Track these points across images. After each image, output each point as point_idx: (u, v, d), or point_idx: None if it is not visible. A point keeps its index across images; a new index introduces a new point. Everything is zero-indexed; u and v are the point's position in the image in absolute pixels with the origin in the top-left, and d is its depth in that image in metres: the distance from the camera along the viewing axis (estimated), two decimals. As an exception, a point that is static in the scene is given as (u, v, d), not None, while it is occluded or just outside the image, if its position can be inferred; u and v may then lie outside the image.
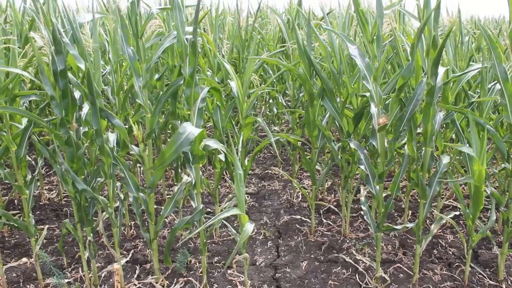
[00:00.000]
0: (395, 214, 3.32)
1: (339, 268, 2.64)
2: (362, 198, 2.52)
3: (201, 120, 2.33)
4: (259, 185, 3.84)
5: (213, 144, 2.33)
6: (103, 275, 2.58)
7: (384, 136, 2.26)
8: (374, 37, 2.19)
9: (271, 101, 3.99)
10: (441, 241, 2.92)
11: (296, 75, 2.73)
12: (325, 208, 3.28)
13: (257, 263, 2.72)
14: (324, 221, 3.17)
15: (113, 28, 2.38)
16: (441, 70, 2.34)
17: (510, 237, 2.49)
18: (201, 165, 2.37)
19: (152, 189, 2.38)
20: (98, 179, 2.46)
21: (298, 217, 3.15)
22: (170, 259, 2.71)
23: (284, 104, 3.66)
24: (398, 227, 2.38)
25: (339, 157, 2.82)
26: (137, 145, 2.45)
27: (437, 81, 2.27)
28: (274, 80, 3.87)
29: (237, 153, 2.66)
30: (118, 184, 2.72)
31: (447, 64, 2.82)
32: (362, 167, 2.39)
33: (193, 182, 2.38)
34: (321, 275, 2.58)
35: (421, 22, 1.99)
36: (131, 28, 2.23)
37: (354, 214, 3.21)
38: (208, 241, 2.96)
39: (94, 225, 2.39)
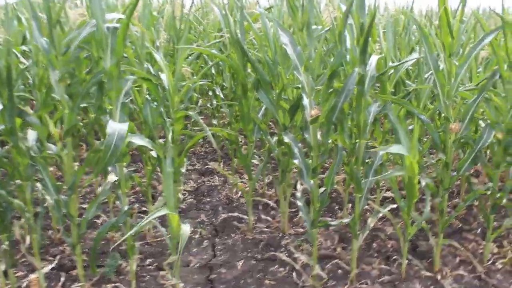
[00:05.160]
0: (336, 207, 3.26)
1: (276, 266, 2.55)
2: (298, 193, 2.42)
3: (125, 114, 2.17)
4: (199, 181, 3.70)
5: (138, 140, 2.17)
6: (24, 285, 2.37)
7: (316, 129, 2.17)
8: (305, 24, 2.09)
9: (210, 93, 3.84)
10: (380, 234, 2.89)
11: (229, 66, 2.60)
12: (265, 203, 3.17)
13: (192, 264, 2.58)
14: (263, 217, 3.07)
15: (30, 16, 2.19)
16: (374, 58, 2.27)
17: (446, 227, 2.48)
18: (125, 163, 2.21)
19: (73, 191, 2.20)
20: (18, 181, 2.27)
21: (236, 214, 3.03)
22: (100, 263, 2.55)
23: (222, 96, 3.52)
24: (334, 222, 2.31)
25: (276, 150, 2.71)
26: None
27: (370, 70, 2.21)
28: (214, 72, 3.73)
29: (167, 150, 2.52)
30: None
31: (386, 54, 2.76)
32: (296, 161, 2.29)
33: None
34: (257, 275, 2.48)
35: (346, 8, 1.90)
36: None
37: (294, 209, 3.13)
38: (141, 242, 2.79)
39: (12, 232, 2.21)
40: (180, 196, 3.38)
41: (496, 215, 3.11)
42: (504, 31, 2.25)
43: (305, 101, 2.14)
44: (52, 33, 2.09)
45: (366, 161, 2.36)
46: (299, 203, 2.36)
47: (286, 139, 2.36)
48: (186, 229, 1.97)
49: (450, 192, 3.52)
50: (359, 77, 2.06)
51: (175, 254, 2.22)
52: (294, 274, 2.47)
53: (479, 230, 2.96)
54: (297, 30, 2.09)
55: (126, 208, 2.21)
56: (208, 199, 3.35)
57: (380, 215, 2.46)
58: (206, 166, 3.92)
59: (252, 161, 3.05)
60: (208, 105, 4.04)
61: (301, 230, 2.93)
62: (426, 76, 2.78)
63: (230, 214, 3.06)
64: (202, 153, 4.25)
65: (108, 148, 1.78)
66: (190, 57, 3.09)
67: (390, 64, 2.60)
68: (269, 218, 3.04)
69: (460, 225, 3.04)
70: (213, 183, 3.61)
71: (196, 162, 4.02)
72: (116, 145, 1.79)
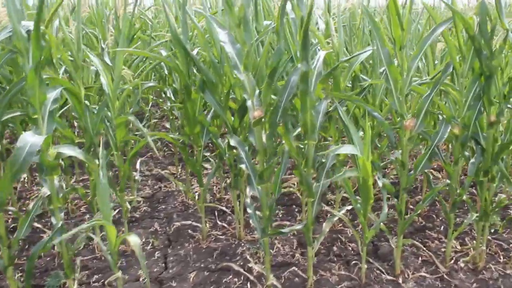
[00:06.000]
0: (296, 210, 3.13)
1: (231, 277, 2.41)
2: (247, 200, 2.28)
3: (53, 124, 2.00)
4: (155, 187, 3.53)
5: (68, 151, 2.00)
6: None
7: (261, 131, 2.03)
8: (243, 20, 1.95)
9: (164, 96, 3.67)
10: (341, 236, 2.77)
11: (171, 67, 2.45)
12: (221, 209, 3.02)
13: (141, 279, 2.42)
14: (219, 223, 2.93)
15: None
16: (321, 54, 2.15)
17: (407, 227, 2.37)
18: (55, 176, 2.04)
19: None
20: None
21: (190, 222, 2.88)
22: (43, 282, 2.37)
23: (174, 98, 3.35)
24: (285, 230, 2.17)
25: (227, 154, 2.57)
26: None
27: (317, 66, 2.09)
28: (166, 73, 3.56)
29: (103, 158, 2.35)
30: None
31: (338, 49, 2.63)
32: (243, 166, 2.15)
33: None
34: (210, 287, 2.34)
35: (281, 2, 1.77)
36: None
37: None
38: (89, 256, 2.62)
39: None
40: (135, 204, 3.23)
41: (459, 210, 3.04)
42: (454, 22, 2.15)
43: (248, 102, 2.00)
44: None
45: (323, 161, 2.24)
46: (249, 210, 2.22)
47: (232, 143, 2.21)
48: (135, 239, 1.82)
49: (415, 188, 3.43)
50: (302, 74, 1.92)
51: (116, 271, 2.07)
52: (248, 284, 2.34)
53: (442, 227, 2.87)
54: (234, 26, 1.94)
55: (60, 224, 2.04)
56: (163, 206, 3.19)
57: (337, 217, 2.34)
58: (164, 171, 3.75)
59: (206, 165, 2.90)
60: (165, 107, 3.86)
61: (258, 236, 2.78)
62: (381, 70, 2.67)
63: (184, 222, 2.90)
64: (160, 157, 4.08)
65: (13, 163, 1.61)
66: (136, 60, 2.93)
67: (341, 59, 2.47)
68: (225, 225, 2.90)
69: (423, 223, 2.94)
70: (169, 189, 3.45)
71: (154, 167, 3.85)
72: (25, 160, 1.61)
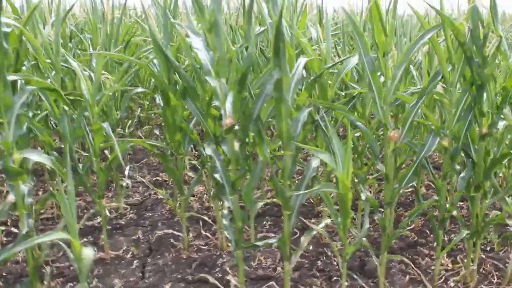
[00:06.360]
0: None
1: (207, 289, 2.33)
2: (225, 211, 2.20)
3: (21, 129, 1.96)
4: (146, 194, 3.47)
5: (34, 156, 1.96)
6: None
7: (233, 140, 1.95)
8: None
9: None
10: (327, 250, 2.66)
11: (149, 73, 2.39)
12: (206, 219, 2.94)
13: (115, 288, 2.36)
14: (204, 233, 2.84)
15: None
16: (302, 61, 2.07)
17: (389, 245, 2.25)
18: (22, 182, 1.99)
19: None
20: None
21: (174, 231, 2.80)
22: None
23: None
24: (259, 243, 2.08)
25: (209, 163, 2.49)
26: None
27: (296, 73, 1.99)
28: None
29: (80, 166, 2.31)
30: None
31: (326, 56, 2.54)
32: (217, 175, 2.07)
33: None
34: (184, 300, 2.26)
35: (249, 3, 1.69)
36: None
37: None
38: (66, 263, 2.56)
39: None
40: (122, 211, 3.17)
41: (455, 226, 2.90)
42: (443, 28, 2.03)
43: (222, 110, 1.92)
44: None
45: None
46: (225, 221, 2.13)
47: (208, 151, 2.14)
48: (88, 253, 1.76)
49: (411, 202, 3.30)
50: (276, 82, 1.83)
51: (82, 281, 2.01)
52: (223, 299, 2.25)
53: (436, 244, 2.73)
54: (206, 32, 1.87)
55: (25, 231, 1.99)
56: (150, 214, 3.12)
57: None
58: (155, 178, 3.69)
59: (189, 174, 2.83)
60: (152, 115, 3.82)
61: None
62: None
63: (167, 231, 2.82)
64: (155, 164, 4.02)
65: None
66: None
67: (324, 66, 2.37)
68: (209, 235, 2.81)
69: (416, 238, 2.81)
70: (159, 197, 3.39)
71: (147, 174, 3.79)
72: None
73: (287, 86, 1.90)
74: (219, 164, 2.08)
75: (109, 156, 3.06)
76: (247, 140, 2.01)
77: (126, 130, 3.88)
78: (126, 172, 3.15)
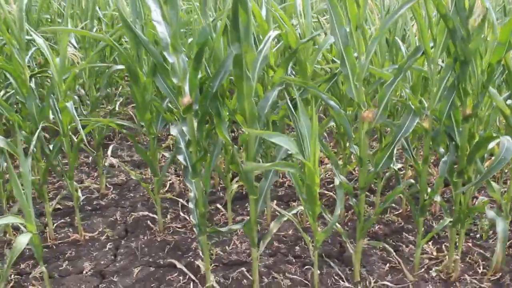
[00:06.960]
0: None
1: (176, 274, 2.25)
2: (191, 194, 2.10)
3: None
4: (132, 173, 3.40)
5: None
6: None
7: (192, 120, 1.84)
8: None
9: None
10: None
11: (116, 49, 2.28)
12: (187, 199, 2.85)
13: (85, 271, 2.30)
14: (182, 215, 2.76)
15: None
16: (271, 34, 1.95)
17: (365, 233, 2.13)
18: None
19: None
20: None
21: (147, 213, 2.73)
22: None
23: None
24: (223, 229, 1.98)
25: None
26: None
27: (264, 49, 1.87)
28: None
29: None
30: None
31: (306, 30, 2.38)
32: (180, 157, 1.97)
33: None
34: (152, 284, 2.19)
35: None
36: None
37: (211, 207, 2.82)
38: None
39: None
40: (104, 191, 3.11)
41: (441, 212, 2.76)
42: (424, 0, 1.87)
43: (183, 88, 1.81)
44: None
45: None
46: (191, 205, 2.03)
47: (173, 132, 2.03)
48: (21, 241, 1.70)
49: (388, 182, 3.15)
50: (235, 57, 1.71)
51: (41, 263, 1.96)
52: (191, 284, 2.17)
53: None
54: (162, 3, 1.74)
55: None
56: (132, 195, 3.06)
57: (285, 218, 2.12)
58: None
59: (165, 154, 2.74)
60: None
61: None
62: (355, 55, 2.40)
63: (145, 212, 2.75)
64: (145, 143, 3.95)
65: None
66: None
67: (300, 41, 2.23)
68: (187, 217, 2.73)
69: (402, 223, 2.68)
70: (144, 176, 3.32)
71: (135, 154, 3.72)
72: None
73: (251, 63, 1.78)
74: (183, 145, 1.98)
75: (95, 138, 3.00)
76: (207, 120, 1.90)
77: (117, 108, 3.82)
78: (109, 152, 3.07)
